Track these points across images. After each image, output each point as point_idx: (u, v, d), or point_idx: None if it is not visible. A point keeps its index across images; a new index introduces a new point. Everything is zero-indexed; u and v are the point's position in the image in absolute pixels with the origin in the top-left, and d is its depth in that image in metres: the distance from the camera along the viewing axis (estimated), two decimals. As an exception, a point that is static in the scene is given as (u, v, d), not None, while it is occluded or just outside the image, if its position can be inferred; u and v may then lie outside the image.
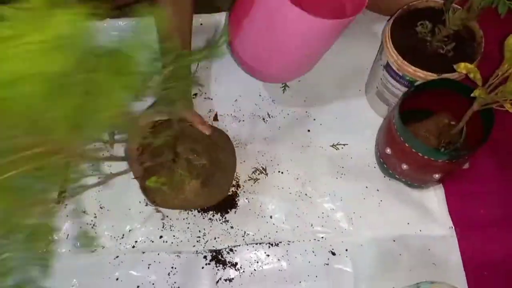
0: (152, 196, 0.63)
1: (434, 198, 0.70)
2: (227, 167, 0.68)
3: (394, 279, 0.65)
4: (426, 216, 0.69)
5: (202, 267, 0.66)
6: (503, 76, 0.51)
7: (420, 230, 0.68)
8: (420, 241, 0.67)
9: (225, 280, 0.66)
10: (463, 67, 0.52)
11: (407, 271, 0.65)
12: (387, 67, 0.67)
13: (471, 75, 0.53)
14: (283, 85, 0.80)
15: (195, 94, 0.80)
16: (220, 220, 0.70)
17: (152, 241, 0.68)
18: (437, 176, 0.63)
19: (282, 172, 0.73)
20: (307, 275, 0.65)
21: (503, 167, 0.72)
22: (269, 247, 0.67)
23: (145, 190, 0.63)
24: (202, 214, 0.70)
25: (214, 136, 0.67)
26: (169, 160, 0.61)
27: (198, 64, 0.83)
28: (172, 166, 0.62)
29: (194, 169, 0.63)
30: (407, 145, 0.59)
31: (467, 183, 0.71)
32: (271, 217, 0.70)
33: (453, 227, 0.68)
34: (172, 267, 0.66)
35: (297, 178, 0.72)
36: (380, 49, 0.70)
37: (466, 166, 0.70)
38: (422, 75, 0.62)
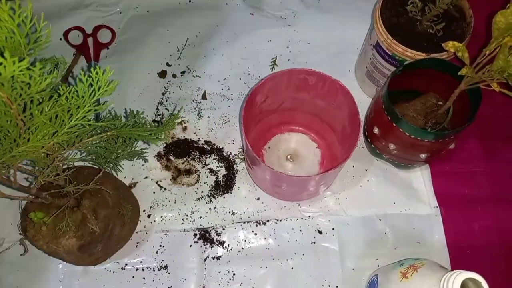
0: (28, 226, 0.57)
1: (420, 178, 0.71)
2: (114, 244, 0.64)
3: (380, 256, 0.66)
4: (412, 195, 0.70)
5: (190, 245, 0.67)
6: (491, 55, 0.51)
7: (406, 210, 0.69)
8: (406, 220, 0.68)
9: (213, 258, 0.66)
10: (451, 45, 0.52)
11: (392, 249, 0.66)
12: (377, 46, 0.66)
13: (459, 54, 0.52)
14: (272, 63, 0.80)
15: (183, 72, 0.79)
16: (207, 199, 0.70)
17: (140, 221, 0.68)
18: (423, 156, 0.63)
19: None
20: (294, 253, 0.66)
21: (488, 148, 0.72)
22: (257, 225, 0.68)
23: (25, 215, 0.57)
24: (190, 193, 0.70)
25: (128, 209, 0.63)
26: (69, 205, 0.57)
27: (186, 41, 0.82)
28: (66, 212, 0.56)
29: (82, 229, 0.56)
30: (394, 124, 0.59)
31: (453, 164, 0.72)
32: (258, 196, 0.70)
33: (438, 207, 0.69)
34: (160, 245, 0.67)
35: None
36: (370, 28, 0.69)
37: (452, 146, 0.71)
38: (411, 55, 0.62)
